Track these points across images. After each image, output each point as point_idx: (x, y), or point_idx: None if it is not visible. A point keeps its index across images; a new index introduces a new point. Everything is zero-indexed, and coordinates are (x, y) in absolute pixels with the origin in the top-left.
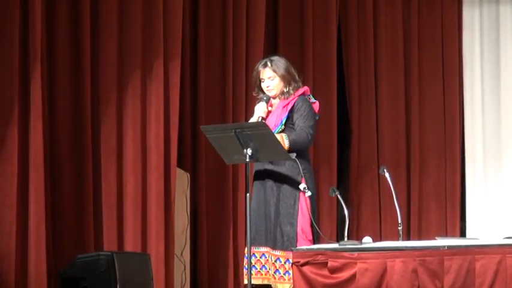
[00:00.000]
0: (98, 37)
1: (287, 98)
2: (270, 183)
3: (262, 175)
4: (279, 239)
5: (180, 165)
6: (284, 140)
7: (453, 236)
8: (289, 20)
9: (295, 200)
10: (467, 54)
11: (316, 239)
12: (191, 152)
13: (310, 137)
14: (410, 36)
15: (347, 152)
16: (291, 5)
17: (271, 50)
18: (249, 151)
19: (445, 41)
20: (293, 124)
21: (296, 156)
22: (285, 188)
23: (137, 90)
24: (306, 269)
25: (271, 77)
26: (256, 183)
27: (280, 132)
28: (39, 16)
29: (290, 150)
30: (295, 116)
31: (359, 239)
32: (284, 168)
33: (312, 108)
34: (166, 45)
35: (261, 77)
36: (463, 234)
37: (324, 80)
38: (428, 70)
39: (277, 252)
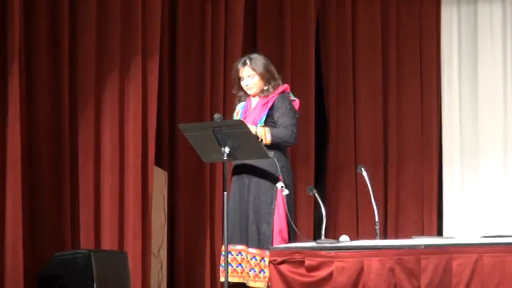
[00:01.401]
0: (76, 35)
1: (267, 96)
2: (247, 179)
3: (240, 170)
4: (255, 237)
5: (158, 163)
6: (266, 133)
7: (430, 235)
8: (267, 17)
9: (272, 199)
10: (445, 54)
11: (292, 238)
12: (169, 151)
13: (294, 136)
14: (389, 35)
15: (325, 150)
16: (269, 2)
17: (249, 48)
18: (227, 149)
19: (423, 40)
20: (273, 122)
21: (273, 155)
22: (263, 185)
23: (115, 89)
24: (283, 267)
25: (250, 76)
26: (234, 179)
27: None
28: (17, 15)
29: (271, 145)
30: (277, 114)
31: (336, 237)
32: (262, 165)
33: (292, 106)
34: (145, 43)
35: (240, 75)
36: (439, 233)
37: (302, 79)
38: (406, 69)
39: (253, 250)
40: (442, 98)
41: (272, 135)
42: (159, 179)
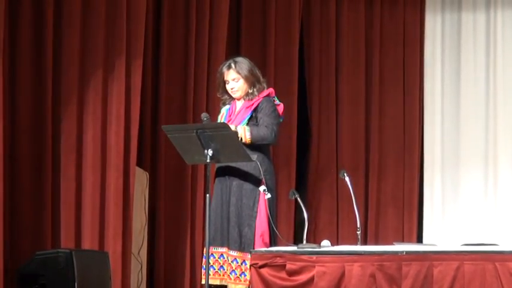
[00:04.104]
0: (61, 35)
1: (251, 99)
2: (230, 182)
3: (223, 173)
4: (236, 240)
5: (140, 164)
6: (246, 131)
7: (410, 242)
8: (251, 21)
9: (255, 202)
10: (428, 61)
11: (273, 242)
12: (151, 151)
13: (274, 134)
14: (373, 41)
15: (306, 155)
16: (253, 5)
17: (233, 50)
18: (210, 152)
19: (406, 47)
20: (256, 124)
21: (257, 158)
22: (245, 188)
23: (98, 89)
24: (264, 271)
25: (235, 79)
26: (217, 181)
27: None
28: (2, 14)
29: (252, 143)
30: (259, 115)
31: (316, 242)
32: (245, 167)
33: (276, 109)
34: (129, 44)
35: (225, 78)
36: (419, 241)
37: (285, 82)
38: (389, 76)
39: (234, 253)
40: (424, 105)
41: (252, 134)
42: (140, 179)
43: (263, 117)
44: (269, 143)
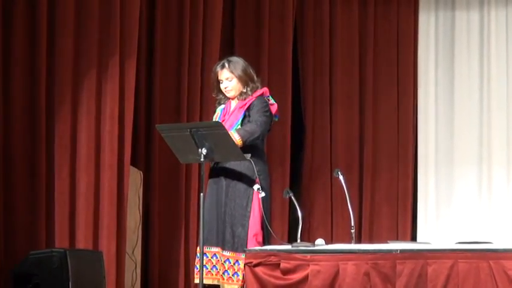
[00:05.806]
0: (54, 35)
1: (245, 99)
2: (224, 182)
3: (217, 173)
4: (229, 240)
5: (134, 163)
6: (234, 136)
7: (404, 240)
8: (245, 21)
9: (248, 201)
10: (422, 60)
11: (267, 241)
12: (145, 151)
13: (260, 129)
14: (366, 39)
15: (300, 154)
16: (247, 5)
17: (227, 50)
18: (204, 151)
19: (400, 45)
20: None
21: (251, 157)
22: (239, 188)
23: (92, 89)
24: (258, 269)
25: (229, 78)
26: (211, 181)
27: None
28: None
29: (245, 143)
30: (251, 114)
31: (310, 241)
32: (239, 168)
33: (267, 106)
34: (123, 44)
35: (219, 78)
36: (413, 239)
37: (279, 82)
38: (383, 75)
39: (227, 253)
40: (418, 103)
41: (239, 134)
42: (134, 179)
43: (252, 115)
44: (258, 135)
